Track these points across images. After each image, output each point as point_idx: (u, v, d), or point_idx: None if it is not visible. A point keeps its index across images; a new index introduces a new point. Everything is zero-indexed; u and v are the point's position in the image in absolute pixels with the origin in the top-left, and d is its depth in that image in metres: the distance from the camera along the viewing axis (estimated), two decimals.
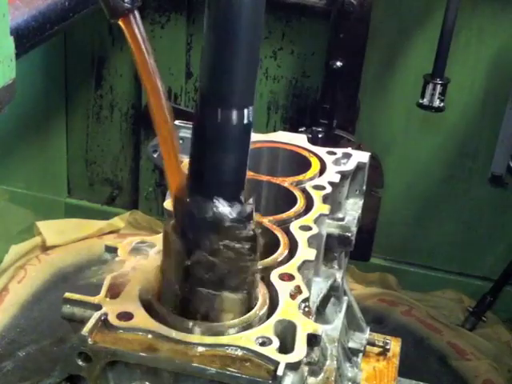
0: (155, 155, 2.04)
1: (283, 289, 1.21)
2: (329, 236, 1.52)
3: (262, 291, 1.21)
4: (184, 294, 1.12)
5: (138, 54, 1.11)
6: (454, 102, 2.86)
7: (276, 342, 1.09)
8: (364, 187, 1.70)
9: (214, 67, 1.04)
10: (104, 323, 1.11)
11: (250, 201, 1.10)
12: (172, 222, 1.12)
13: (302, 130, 2.76)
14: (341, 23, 2.73)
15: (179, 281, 1.11)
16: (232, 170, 1.09)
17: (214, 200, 1.07)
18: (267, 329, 1.12)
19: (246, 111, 1.05)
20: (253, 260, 1.11)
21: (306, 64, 3.09)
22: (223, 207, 1.07)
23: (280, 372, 1.04)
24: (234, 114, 1.04)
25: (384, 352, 1.91)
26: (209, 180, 1.09)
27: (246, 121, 1.06)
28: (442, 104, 2.71)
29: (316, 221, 1.42)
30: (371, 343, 1.88)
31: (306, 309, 1.18)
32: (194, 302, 1.12)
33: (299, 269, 1.28)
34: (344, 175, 1.60)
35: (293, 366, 1.06)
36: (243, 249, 1.09)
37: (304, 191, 1.52)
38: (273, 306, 1.18)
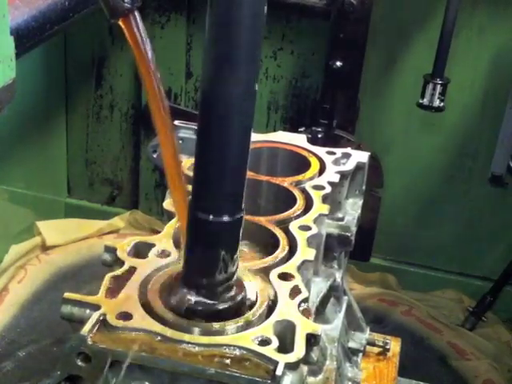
0: (155, 155, 2.04)
1: (282, 288, 1.21)
2: (328, 236, 1.52)
3: (261, 291, 1.21)
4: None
5: (138, 54, 1.11)
6: (453, 102, 2.86)
7: (275, 342, 1.09)
8: (363, 187, 1.70)
9: (205, 177, 1.07)
10: (103, 323, 1.11)
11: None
12: None
13: (302, 130, 2.76)
14: (341, 23, 2.73)
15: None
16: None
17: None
18: (266, 329, 1.12)
19: (238, 214, 1.09)
20: None
21: (306, 64, 3.09)
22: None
23: (279, 372, 1.04)
24: (226, 218, 1.08)
25: (384, 352, 1.91)
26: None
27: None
28: (442, 104, 2.70)
29: (315, 221, 1.42)
30: (371, 343, 1.88)
31: (306, 309, 1.18)
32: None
33: (299, 269, 1.28)
34: (343, 175, 1.60)
35: (292, 366, 1.06)
36: None
37: (303, 191, 1.52)
38: (272, 305, 1.18)
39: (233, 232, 1.11)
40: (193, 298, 1.13)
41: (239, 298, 1.16)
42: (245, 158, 1.07)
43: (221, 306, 1.13)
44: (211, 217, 1.07)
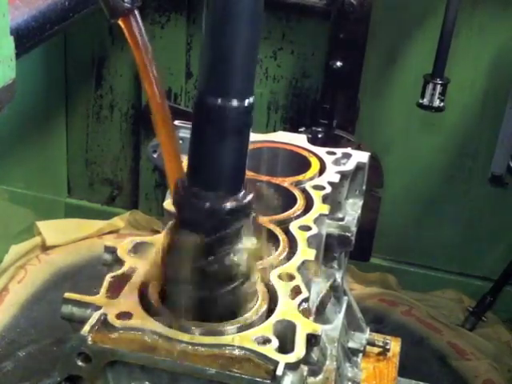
0: (155, 155, 2.04)
1: (283, 289, 1.21)
2: (328, 236, 1.52)
3: (261, 291, 1.21)
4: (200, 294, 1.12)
5: (138, 53, 1.11)
6: (454, 102, 2.86)
7: (275, 342, 1.09)
8: (364, 187, 1.70)
9: (215, 57, 1.03)
10: (103, 323, 1.11)
11: (250, 195, 1.11)
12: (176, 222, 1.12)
13: (302, 130, 2.76)
14: (341, 23, 2.73)
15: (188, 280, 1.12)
16: (232, 159, 1.08)
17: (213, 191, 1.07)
18: (267, 329, 1.12)
19: (246, 101, 1.05)
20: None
21: (306, 64, 3.09)
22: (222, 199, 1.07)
23: (279, 372, 1.04)
24: (235, 102, 1.04)
25: (384, 352, 1.91)
26: (209, 171, 1.08)
27: (245, 110, 1.05)
28: (442, 104, 2.70)
29: (316, 221, 1.42)
30: (371, 343, 1.88)
31: (306, 309, 1.18)
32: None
33: (299, 269, 1.28)
34: (344, 175, 1.61)
35: (292, 366, 1.06)
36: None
37: (304, 191, 1.52)
38: (272, 306, 1.18)
39: (243, 118, 1.06)
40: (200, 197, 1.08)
41: (248, 199, 1.11)
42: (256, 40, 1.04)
43: (229, 206, 1.08)
44: (220, 101, 1.03)
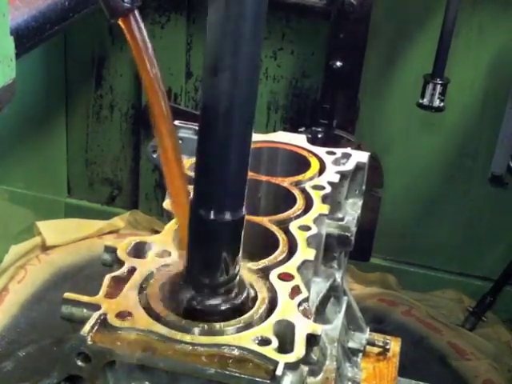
0: (155, 155, 2.04)
1: (282, 289, 1.21)
2: (328, 236, 1.52)
3: (261, 291, 1.21)
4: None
5: (138, 53, 1.11)
6: (453, 102, 2.86)
7: (275, 342, 1.09)
8: (363, 187, 1.70)
9: (208, 175, 1.07)
10: (103, 323, 1.11)
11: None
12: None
13: (302, 130, 2.76)
14: (341, 23, 2.73)
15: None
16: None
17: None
18: (266, 329, 1.12)
19: (239, 212, 1.09)
20: None
21: (306, 64, 3.09)
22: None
23: (279, 372, 1.04)
24: (228, 215, 1.08)
25: (384, 352, 1.91)
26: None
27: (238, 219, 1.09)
28: (441, 104, 2.71)
29: (315, 221, 1.42)
30: (371, 343, 1.87)
31: (306, 309, 1.18)
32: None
33: (298, 269, 1.28)
34: (343, 175, 1.60)
35: (292, 366, 1.06)
36: None
37: (303, 191, 1.52)
38: (272, 305, 1.18)
39: (234, 232, 1.10)
40: (193, 299, 1.13)
41: (241, 299, 1.15)
42: (246, 154, 1.06)
43: (222, 307, 1.13)
44: (212, 215, 1.07)
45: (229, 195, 1.08)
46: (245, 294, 1.17)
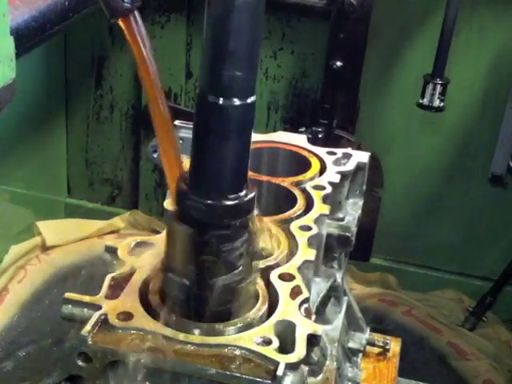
0: (155, 155, 2.04)
1: (283, 289, 1.21)
2: (329, 236, 1.52)
3: (261, 291, 1.21)
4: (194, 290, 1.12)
5: (138, 53, 1.11)
6: (453, 102, 2.86)
7: (276, 342, 1.09)
8: (364, 187, 1.70)
9: (216, 57, 1.03)
10: (104, 323, 1.11)
11: (252, 194, 1.10)
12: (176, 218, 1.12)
13: (302, 130, 2.76)
14: (341, 23, 2.73)
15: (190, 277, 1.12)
16: (234, 159, 1.08)
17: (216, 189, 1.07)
18: (267, 329, 1.12)
19: (248, 100, 1.05)
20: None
21: (306, 64, 3.09)
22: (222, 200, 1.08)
23: (280, 372, 1.04)
24: (237, 102, 1.04)
25: (384, 352, 1.91)
26: (211, 170, 1.08)
27: (247, 108, 1.05)
28: (442, 104, 2.70)
29: (316, 221, 1.42)
30: (371, 343, 1.87)
31: (306, 309, 1.18)
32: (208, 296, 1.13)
33: (299, 269, 1.28)
34: (344, 175, 1.60)
35: (293, 366, 1.06)
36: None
37: (304, 191, 1.52)
38: (273, 306, 1.18)
39: (244, 116, 1.06)
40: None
41: (249, 196, 1.11)
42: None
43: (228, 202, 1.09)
44: (221, 101, 1.03)
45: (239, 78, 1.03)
46: (253, 194, 1.11)
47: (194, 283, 1.12)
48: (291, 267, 1.27)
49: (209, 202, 1.07)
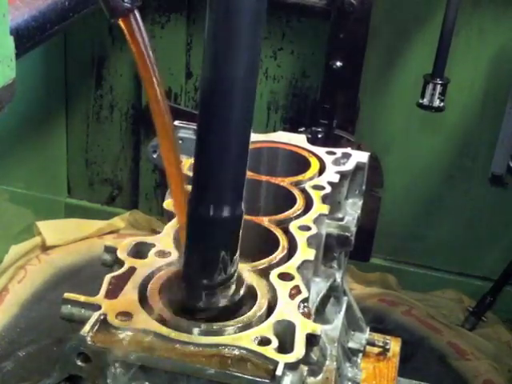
0: (155, 155, 2.04)
1: (282, 289, 1.21)
2: (328, 236, 1.52)
3: (261, 291, 1.21)
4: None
5: (138, 53, 1.11)
6: (453, 102, 2.86)
7: (275, 342, 1.09)
8: (363, 187, 1.70)
9: (207, 171, 1.06)
10: (103, 323, 1.11)
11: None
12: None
13: (302, 130, 2.76)
14: (341, 23, 2.73)
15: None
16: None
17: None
18: (266, 329, 1.12)
19: (237, 208, 1.08)
20: None
21: (306, 64, 3.09)
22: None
23: (279, 372, 1.04)
24: (226, 213, 1.07)
25: (384, 352, 1.91)
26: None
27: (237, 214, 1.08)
28: (441, 104, 2.70)
29: (315, 221, 1.42)
30: (371, 343, 1.87)
31: (306, 309, 1.18)
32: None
33: (298, 269, 1.28)
34: (343, 175, 1.60)
35: (292, 366, 1.06)
36: None
37: (303, 191, 1.52)
38: (272, 306, 1.18)
39: (233, 230, 1.10)
40: (192, 297, 1.13)
41: (238, 297, 1.15)
42: (246, 149, 1.06)
43: (220, 304, 1.13)
44: (212, 212, 1.06)
45: (228, 190, 1.07)
46: (242, 292, 1.17)
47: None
48: (290, 267, 1.27)
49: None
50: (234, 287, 1.15)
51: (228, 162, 1.05)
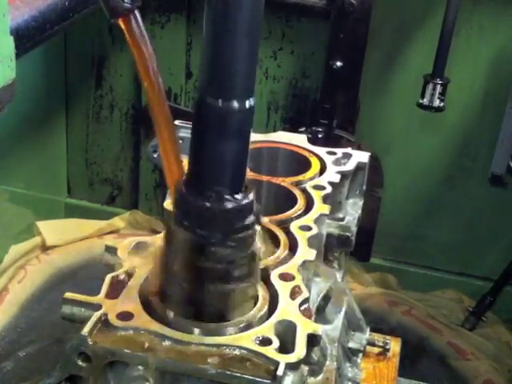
0: (155, 155, 2.04)
1: (283, 289, 1.21)
2: (329, 236, 1.52)
3: (262, 291, 1.21)
4: (193, 292, 1.12)
5: (138, 53, 1.11)
6: (453, 102, 2.86)
7: (276, 342, 1.09)
8: (364, 187, 1.70)
9: (215, 58, 1.03)
10: (104, 323, 1.11)
11: (251, 194, 1.10)
12: (175, 219, 1.11)
13: (302, 130, 2.76)
14: (341, 23, 2.73)
15: (188, 279, 1.12)
16: (233, 160, 1.08)
17: (214, 191, 1.07)
18: (267, 329, 1.12)
19: (247, 102, 1.04)
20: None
21: (306, 64, 3.09)
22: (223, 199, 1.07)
23: (280, 372, 1.04)
24: (235, 103, 1.03)
25: (384, 352, 1.91)
26: (209, 170, 1.08)
27: (246, 110, 1.05)
28: (441, 104, 2.70)
29: (316, 221, 1.42)
30: (371, 343, 1.87)
31: (306, 309, 1.18)
32: (206, 299, 1.12)
33: (299, 269, 1.28)
34: (344, 175, 1.61)
35: (293, 366, 1.06)
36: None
37: (304, 191, 1.52)
38: (273, 306, 1.18)
39: (243, 121, 1.06)
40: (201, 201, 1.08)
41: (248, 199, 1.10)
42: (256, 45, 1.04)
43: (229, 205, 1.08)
44: (220, 103, 1.03)
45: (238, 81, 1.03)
46: (252, 196, 1.10)
47: (194, 286, 1.12)
48: (291, 267, 1.27)
49: (207, 204, 1.07)
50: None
51: (239, 55, 1.02)
